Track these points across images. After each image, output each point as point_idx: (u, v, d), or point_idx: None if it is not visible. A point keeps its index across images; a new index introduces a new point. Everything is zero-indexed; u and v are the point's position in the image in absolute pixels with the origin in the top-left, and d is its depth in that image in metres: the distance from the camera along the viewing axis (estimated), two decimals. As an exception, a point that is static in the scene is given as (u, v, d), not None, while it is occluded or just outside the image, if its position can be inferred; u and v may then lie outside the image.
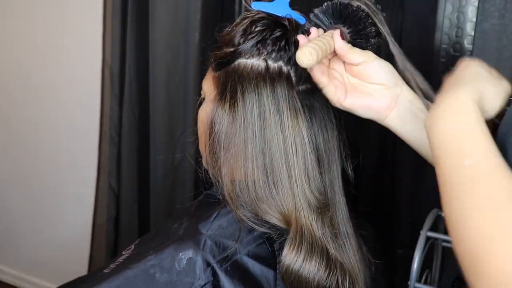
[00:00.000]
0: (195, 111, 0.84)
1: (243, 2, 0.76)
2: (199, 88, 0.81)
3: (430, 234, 1.08)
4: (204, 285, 0.69)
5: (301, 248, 0.70)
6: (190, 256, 0.69)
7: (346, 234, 0.76)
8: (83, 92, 1.86)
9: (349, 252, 0.76)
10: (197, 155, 0.87)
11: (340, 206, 0.77)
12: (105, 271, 0.76)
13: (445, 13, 1.14)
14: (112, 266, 0.77)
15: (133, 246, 0.84)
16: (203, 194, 0.84)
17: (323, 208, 0.74)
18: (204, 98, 0.81)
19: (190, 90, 1.52)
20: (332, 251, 0.73)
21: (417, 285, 1.05)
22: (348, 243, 0.76)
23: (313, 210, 0.73)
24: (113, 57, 1.66)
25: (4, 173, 2.17)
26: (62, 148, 1.99)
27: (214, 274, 0.69)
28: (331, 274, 0.72)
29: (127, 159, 1.69)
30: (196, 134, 0.85)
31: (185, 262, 0.69)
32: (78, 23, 1.81)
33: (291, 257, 0.70)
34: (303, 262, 0.70)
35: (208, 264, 0.69)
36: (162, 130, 1.59)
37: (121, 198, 1.74)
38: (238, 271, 0.71)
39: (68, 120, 1.94)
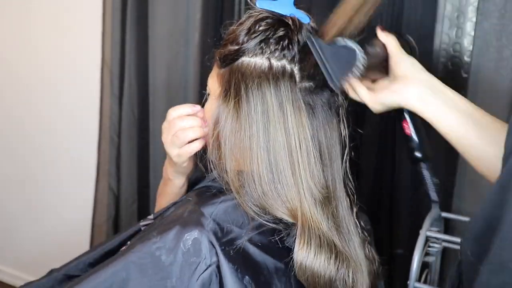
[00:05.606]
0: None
1: (248, 0, 0.77)
2: (199, 88, 0.82)
3: (430, 233, 1.08)
4: (210, 265, 0.69)
5: (311, 243, 0.72)
6: (196, 236, 0.70)
7: (348, 229, 0.78)
8: (83, 92, 1.85)
9: (354, 246, 0.78)
10: (196, 158, 0.87)
11: (342, 201, 0.79)
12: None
13: (445, 13, 1.14)
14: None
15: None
16: (204, 184, 0.85)
17: (326, 201, 0.76)
18: (209, 94, 0.83)
19: (190, 89, 1.52)
20: (338, 244, 0.75)
21: (416, 284, 1.04)
22: (351, 237, 0.78)
23: (318, 204, 0.74)
24: (113, 57, 1.66)
25: (4, 173, 2.17)
26: (62, 149, 1.98)
27: (217, 256, 0.70)
28: (339, 267, 0.73)
29: (127, 160, 1.69)
30: None
31: (190, 243, 0.70)
32: (77, 23, 1.81)
33: (303, 253, 0.72)
34: (314, 257, 0.72)
35: (212, 246, 0.70)
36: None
37: (121, 199, 1.74)
38: (240, 256, 0.72)
39: (67, 121, 1.94)
